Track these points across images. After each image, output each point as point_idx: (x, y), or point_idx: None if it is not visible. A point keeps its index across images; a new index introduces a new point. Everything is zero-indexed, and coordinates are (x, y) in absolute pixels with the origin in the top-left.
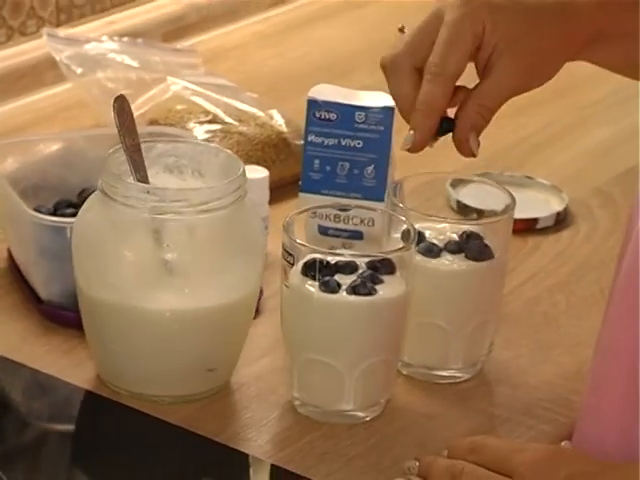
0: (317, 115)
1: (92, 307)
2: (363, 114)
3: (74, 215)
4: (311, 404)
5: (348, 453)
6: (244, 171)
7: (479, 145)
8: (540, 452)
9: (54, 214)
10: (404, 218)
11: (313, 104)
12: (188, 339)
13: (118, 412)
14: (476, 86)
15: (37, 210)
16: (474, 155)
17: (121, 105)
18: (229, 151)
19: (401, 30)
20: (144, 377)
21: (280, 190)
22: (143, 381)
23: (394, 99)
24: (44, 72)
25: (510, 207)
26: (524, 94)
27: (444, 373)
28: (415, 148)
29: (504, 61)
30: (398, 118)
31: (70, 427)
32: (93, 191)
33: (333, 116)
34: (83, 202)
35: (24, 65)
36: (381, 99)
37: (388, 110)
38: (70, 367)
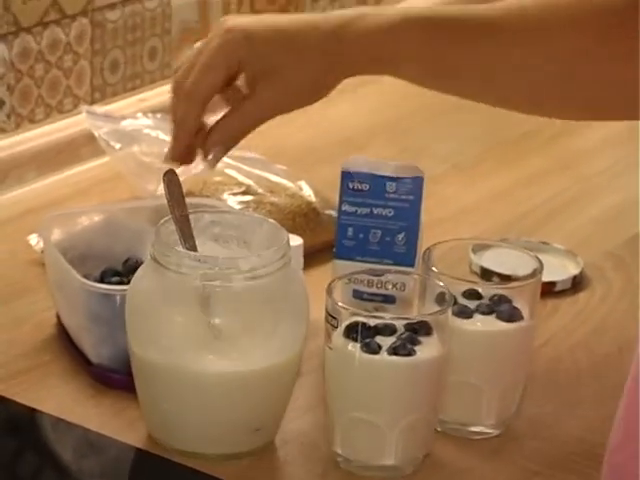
0: (350, 186)
1: (144, 369)
2: (394, 184)
3: (120, 283)
4: (354, 460)
5: None
6: (289, 239)
7: (218, 160)
8: None
9: (101, 282)
10: (441, 283)
11: (347, 175)
12: (236, 401)
13: (169, 469)
14: (237, 106)
15: (85, 278)
16: (211, 167)
17: (170, 178)
18: (273, 221)
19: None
20: (194, 435)
21: (310, 257)
22: (193, 439)
23: (173, 120)
24: (80, 147)
25: (538, 270)
26: (532, 168)
27: (477, 429)
28: (171, 157)
29: (263, 86)
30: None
31: None
32: (137, 260)
33: (365, 186)
34: (128, 270)
35: (62, 141)
36: (410, 169)
37: (417, 180)
38: (121, 427)
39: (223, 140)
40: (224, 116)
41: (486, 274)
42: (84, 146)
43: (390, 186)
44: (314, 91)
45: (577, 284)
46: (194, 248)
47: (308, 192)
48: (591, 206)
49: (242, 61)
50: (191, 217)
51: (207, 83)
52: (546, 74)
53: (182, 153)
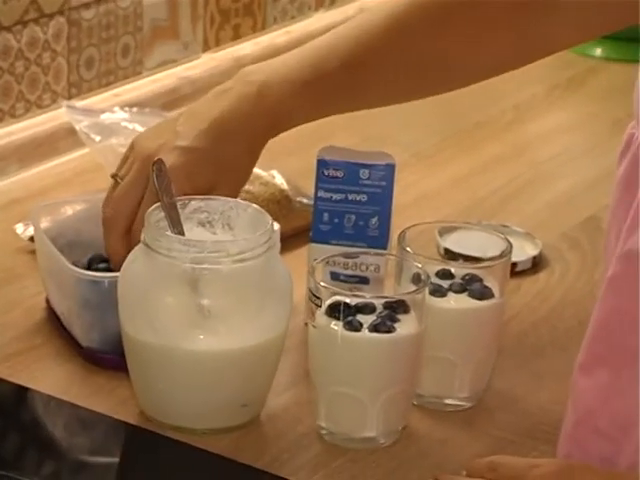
0: (326, 173)
1: (137, 349)
2: (367, 171)
3: (108, 269)
4: (337, 432)
5: (375, 475)
6: (272, 224)
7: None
8: (554, 466)
9: (89, 268)
10: (417, 263)
11: (322, 163)
12: (225, 377)
13: (162, 444)
14: None
15: (74, 265)
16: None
17: (159, 168)
18: (257, 206)
19: (114, 177)
20: (185, 411)
21: (283, 242)
22: (184, 415)
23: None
24: (59, 140)
25: (507, 250)
26: (488, 155)
27: (451, 402)
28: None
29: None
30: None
31: (119, 459)
32: None
33: (340, 174)
34: None
35: (41, 135)
36: (382, 157)
37: (389, 167)
38: (114, 405)
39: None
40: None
41: (452, 255)
42: (63, 139)
43: (364, 173)
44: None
45: (537, 264)
46: (182, 233)
47: (280, 180)
48: (546, 190)
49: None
50: (178, 204)
51: (125, 215)
52: None
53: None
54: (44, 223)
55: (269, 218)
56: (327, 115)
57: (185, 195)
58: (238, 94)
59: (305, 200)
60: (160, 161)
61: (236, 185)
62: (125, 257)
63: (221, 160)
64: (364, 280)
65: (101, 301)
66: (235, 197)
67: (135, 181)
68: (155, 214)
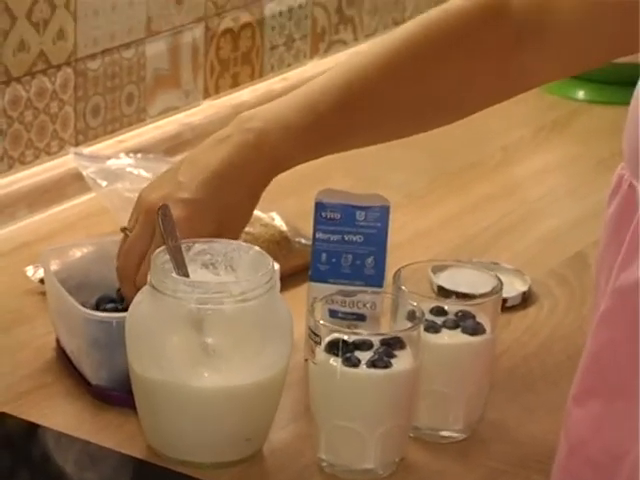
0: (324, 215)
1: (145, 386)
2: (363, 213)
3: (115, 309)
4: (337, 464)
5: None
6: (273, 265)
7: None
8: None
9: (97, 308)
10: (412, 301)
11: (320, 206)
12: (228, 413)
13: (170, 477)
14: None
15: (83, 305)
16: None
17: (164, 212)
18: (258, 248)
19: (123, 231)
20: (190, 446)
21: (283, 281)
22: (189, 449)
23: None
24: (66, 186)
25: (498, 287)
26: (477, 195)
27: (446, 434)
28: None
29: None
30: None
31: None
32: None
33: (337, 216)
34: (121, 297)
35: (49, 181)
36: (376, 199)
37: (384, 209)
38: (122, 440)
39: None
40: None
41: (445, 293)
42: (70, 184)
43: (360, 215)
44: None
45: (526, 300)
46: (187, 275)
47: (279, 222)
48: (534, 228)
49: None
50: (183, 247)
51: (133, 264)
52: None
53: None
54: (53, 266)
55: (270, 259)
56: (324, 155)
57: None
58: (237, 142)
59: (304, 240)
60: (165, 206)
61: (238, 228)
62: None
63: (223, 208)
64: (361, 317)
65: (109, 340)
66: (237, 239)
67: (142, 232)
68: (161, 257)
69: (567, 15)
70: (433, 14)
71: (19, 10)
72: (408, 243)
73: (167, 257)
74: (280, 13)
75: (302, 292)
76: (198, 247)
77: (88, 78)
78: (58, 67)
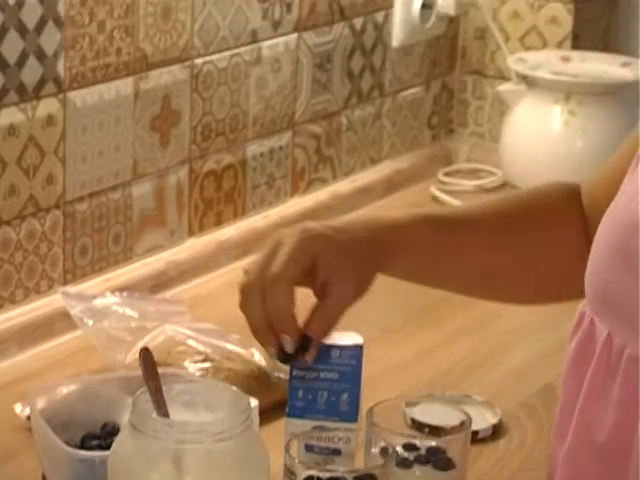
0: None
1: None
2: (338, 351)
3: (100, 447)
4: None
5: None
6: (249, 403)
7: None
8: None
9: (82, 446)
10: (383, 440)
11: None
12: None
13: None
14: (318, 306)
15: (67, 443)
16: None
17: (146, 355)
18: (236, 388)
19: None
20: None
21: (262, 414)
22: None
23: (247, 319)
24: (55, 323)
25: (467, 423)
26: (450, 329)
27: None
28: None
29: (338, 286)
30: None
31: None
32: (113, 424)
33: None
34: (106, 434)
35: (38, 319)
36: (351, 338)
37: (358, 348)
38: None
39: (322, 333)
40: (312, 315)
41: (419, 425)
42: (58, 322)
43: (335, 353)
44: (367, 284)
45: (497, 432)
46: (167, 415)
47: (258, 357)
48: (504, 362)
49: (319, 258)
50: (164, 387)
51: (293, 270)
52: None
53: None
54: (40, 404)
55: (247, 399)
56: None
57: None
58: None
59: (282, 375)
60: (146, 349)
61: (353, 293)
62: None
63: (351, 271)
64: (336, 452)
65: (93, 478)
66: (348, 302)
67: (296, 251)
68: (142, 398)
69: None
70: None
71: (10, 157)
72: (382, 376)
73: (148, 398)
74: (261, 154)
75: (282, 425)
76: (178, 388)
77: (76, 220)
78: (47, 210)
